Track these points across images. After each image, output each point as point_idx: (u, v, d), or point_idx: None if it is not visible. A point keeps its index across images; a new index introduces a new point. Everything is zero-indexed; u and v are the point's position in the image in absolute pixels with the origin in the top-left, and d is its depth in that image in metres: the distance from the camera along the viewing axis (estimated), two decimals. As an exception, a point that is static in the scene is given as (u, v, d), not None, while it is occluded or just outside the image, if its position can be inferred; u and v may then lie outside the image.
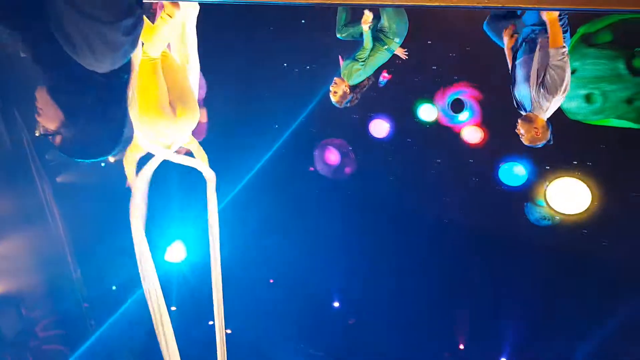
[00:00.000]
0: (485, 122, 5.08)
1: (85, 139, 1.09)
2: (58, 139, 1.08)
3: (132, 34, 1.09)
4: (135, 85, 2.41)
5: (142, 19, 1.13)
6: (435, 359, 6.13)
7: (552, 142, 2.87)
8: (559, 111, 3.50)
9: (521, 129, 2.83)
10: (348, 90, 3.71)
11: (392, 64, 4.09)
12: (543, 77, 2.65)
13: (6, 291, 6.01)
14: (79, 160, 1.17)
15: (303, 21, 5.12)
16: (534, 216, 4.56)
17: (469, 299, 5.56)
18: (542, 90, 2.68)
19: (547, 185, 4.55)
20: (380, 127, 5.64)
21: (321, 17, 4.42)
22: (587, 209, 4.49)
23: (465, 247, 5.46)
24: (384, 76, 4.70)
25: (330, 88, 3.78)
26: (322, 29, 4.28)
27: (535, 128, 2.78)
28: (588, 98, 3.22)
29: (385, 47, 3.64)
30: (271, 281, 6.86)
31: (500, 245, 5.18)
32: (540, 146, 2.89)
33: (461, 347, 6.03)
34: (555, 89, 2.65)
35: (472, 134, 5.12)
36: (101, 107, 1.08)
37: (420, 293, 5.82)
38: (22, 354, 6.08)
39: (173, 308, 6.55)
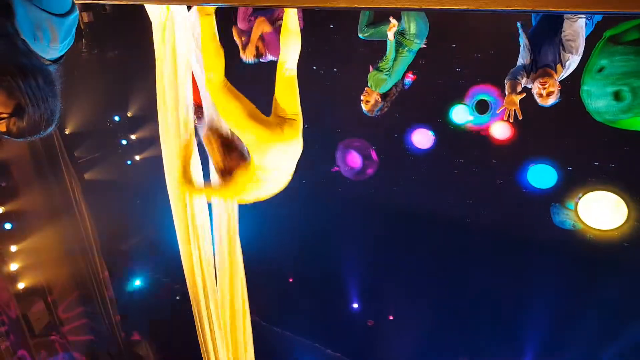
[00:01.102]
0: (512, 122, 5.08)
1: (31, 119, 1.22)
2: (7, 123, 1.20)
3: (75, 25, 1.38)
4: (220, 115, 2.36)
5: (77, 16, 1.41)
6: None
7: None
8: (587, 115, 3.47)
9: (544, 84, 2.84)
10: (380, 99, 3.68)
11: (416, 65, 4.13)
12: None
13: (35, 283, 6.18)
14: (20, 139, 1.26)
15: (332, 26, 5.24)
16: (559, 217, 4.49)
17: (491, 303, 5.46)
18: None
19: (580, 197, 4.44)
20: (424, 138, 5.61)
21: (349, 20, 4.51)
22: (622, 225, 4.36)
23: (487, 250, 5.38)
24: (409, 77, 4.75)
25: (362, 97, 3.73)
26: (350, 33, 4.37)
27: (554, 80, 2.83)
28: (617, 95, 3.16)
29: (407, 49, 3.63)
30: (290, 280, 6.91)
31: (525, 249, 5.09)
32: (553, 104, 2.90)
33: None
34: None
35: (499, 132, 5.11)
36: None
37: (441, 296, 5.75)
38: (50, 344, 6.21)
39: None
